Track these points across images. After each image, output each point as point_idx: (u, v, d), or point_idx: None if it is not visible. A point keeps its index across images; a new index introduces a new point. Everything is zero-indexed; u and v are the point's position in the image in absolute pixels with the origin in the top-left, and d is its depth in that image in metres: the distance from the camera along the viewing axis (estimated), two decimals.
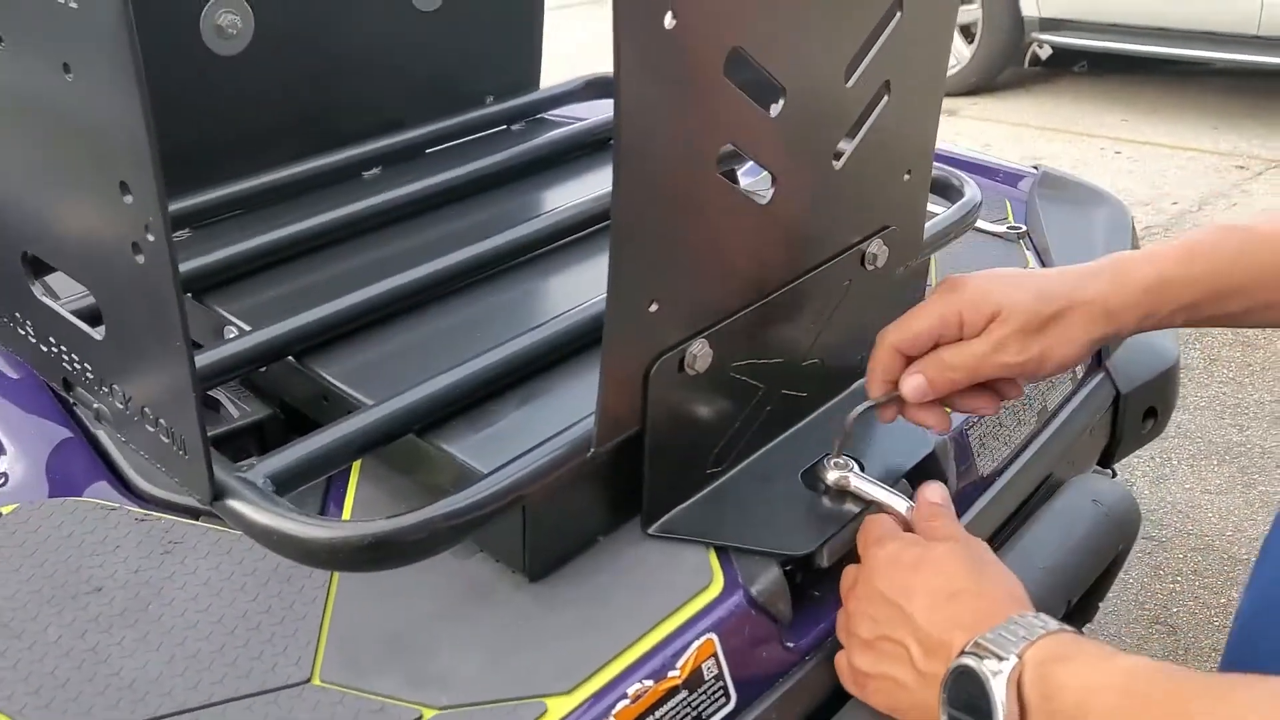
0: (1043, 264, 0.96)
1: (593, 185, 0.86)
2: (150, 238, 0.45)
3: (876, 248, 0.68)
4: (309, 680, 0.53)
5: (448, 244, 0.73)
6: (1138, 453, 2.45)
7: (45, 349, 0.58)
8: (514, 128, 0.97)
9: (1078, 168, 4.46)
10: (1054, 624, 0.51)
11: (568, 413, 0.58)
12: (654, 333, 0.55)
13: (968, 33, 5.52)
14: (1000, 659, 0.49)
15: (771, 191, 0.58)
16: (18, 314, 0.59)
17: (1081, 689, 0.47)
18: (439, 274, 0.70)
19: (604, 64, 0.84)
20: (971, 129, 5.15)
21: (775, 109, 0.56)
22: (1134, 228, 1.04)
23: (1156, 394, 0.92)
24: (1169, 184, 4.18)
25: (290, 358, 0.64)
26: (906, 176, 0.69)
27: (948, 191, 0.83)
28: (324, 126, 0.84)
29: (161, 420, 0.51)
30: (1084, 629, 0.98)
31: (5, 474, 0.65)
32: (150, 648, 0.54)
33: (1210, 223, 0.71)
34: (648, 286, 0.53)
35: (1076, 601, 0.75)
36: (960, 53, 5.59)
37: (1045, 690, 0.48)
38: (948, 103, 5.52)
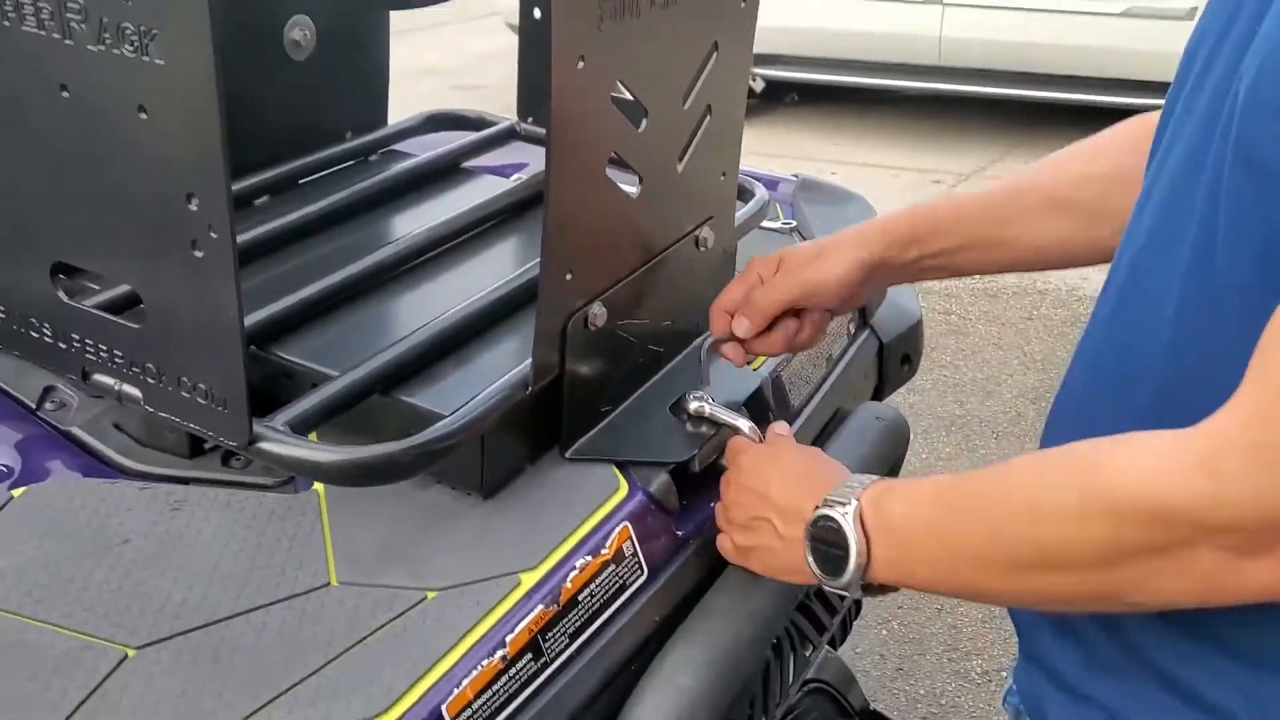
0: None
1: (451, 204, 1.03)
2: (213, 235, 0.59)
3: (706, 232, 0.89)
4: (329, 583, 0.67)
5: (360, 249, 0.89)
6: None
7: (64, 346, 0.70)
8: (371, 159, 1.12)
9: None
10: (877, 478, 0.72)
11: (501, 367, 0.75)
12: (569, 297, 0.73)
13: None
14: (844, 505, 0.69)
15: (639, 188, 0.78)
16: (34, 319, 0.71)
17: (905, 506, 0.68)
18: (370, 267, 0.86)
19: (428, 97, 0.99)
20: None
21: (642, 126, 0.75)
22: (874, 211, 1.30)
23: (909, 343, 1.18)
24: (877, 200, 4.66)
25: (253, 346, 0.78)
26: (723, 177, 0.90)
27: (743, 194, 1.06)
28: None
29: (201, 385, 0.65)
30: None
31: (13, 467, 0.76)
32: (189, 576, 0.67)
33: None
34: (567, 259, 0.71)
35: None
36: None
37: (879, 518, 0.68)
38: None
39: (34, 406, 0.82)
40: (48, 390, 0.83)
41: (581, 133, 0.68)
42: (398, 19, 1.15)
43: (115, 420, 0.80)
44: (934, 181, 4.88)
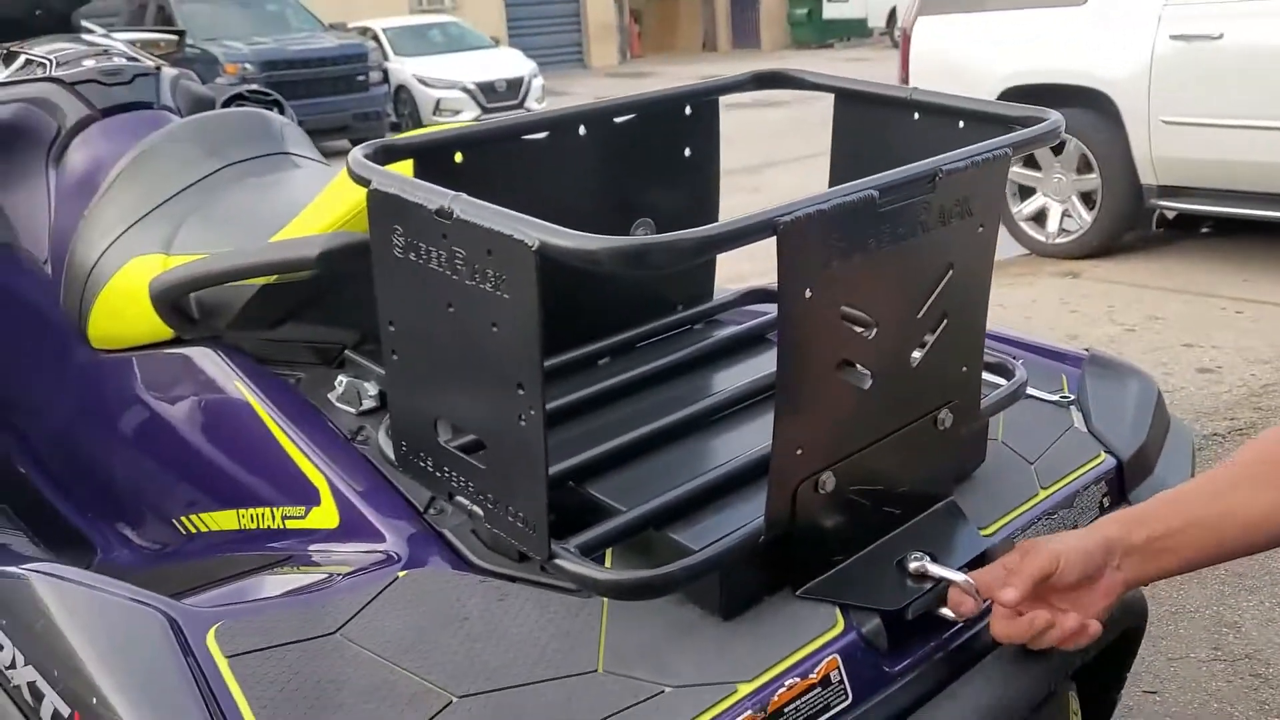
0: (1089, 427, 1.30)
1: (754, 369, 1.25)
2: (532, 412, 0.85)
3: (944, 415, 1.05)
4: (596, 670, 0.90)
5: (668, 406, 1.13)
6: (1249, 592, 2.70)
7: (439, 475, 0.99)
8: (696, 327, 1.38)
9: (1198, 327, 4.69)
10: None
11: (750, 514, 0.96)
12: (799, 467, 0.93)
13: (1089, 199, 5.83)
14: None
15: (870, 382, 0.96)
16: (422, 453, 1.01)
17: None
18: (665, 427, 1.10)
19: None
20: (1094, 290, 5.42)
21: (870, 334, 0.94)
22: (1159, 396, 1.37)
23: None
24: None
25: (570, 482, 1.04)
26: (964, 369, 1.06)
27: (1005, 373, 1.20)
28: (571, 329, 1.25)
29: (520, 513, 0.91)
30: None
31: (397, 554, 1.06)
32: (504, 649, 0.93)
33: None
34: (797, 438, 0.91)
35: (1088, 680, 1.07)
36: (1082, 217, 5.90)
37: None
38: (1073, 265, 5.81)
39: (422, 509, 1.13)
40: (433, 499, 1.14)
41: (809, 344, 0.88)
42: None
43: (473, 528, 1.08)
44: None
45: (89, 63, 2.09)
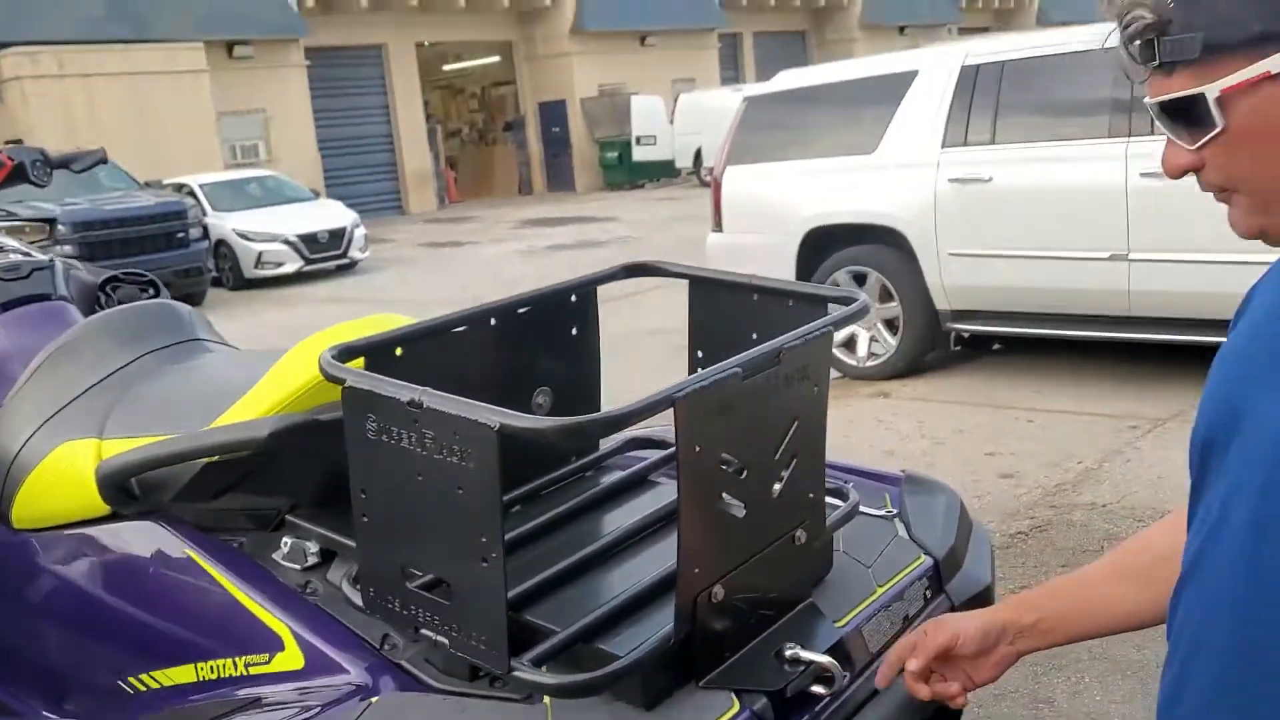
0: (910, 535, 1.62)
1: (645, 505, 1.52)
2: (494, 555, 1.10)
3: (800, 533, 1.34)
4: None
5: (577, 542, 1.39)
6: (1058, 670, 3.06)
7: (406, 613, 1.21)
8: (588, 474, 1.65)
9: (998, 436, 5.22)
10: None
11: (661, 623, 1.21)
12: (697, 582, 1.20)
13: (892, 325, 6.40)
14: None
15: (744, 511, 1.25)
16: (389, 596, 1.23)
17: None
18: (581, 558, 1.35)
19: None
20: (904, 408, 5.93)
21: (743, 475, 1.23)
22: (963, 505, 1.71)
23: (979, 606, 1.56)
24: (1074, 445, 4.91)
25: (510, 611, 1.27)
26: (811, 495, 1.36)
27: (841, 495, 1.50)
28: None
29: (483, 637, 1.14)
30: None
31: (363, 684, 1.27)
32: None
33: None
34: (696, 559, 1.18)
35: None
36: (888, 342, 6.46)
37: None
38: (884, 386, 6.33)
39: (378, 647, 1.34)
40: (385, 637, 1.35)
41: (700, 487, 1.16)
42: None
43: (426, 657, 1.30)
44: (1130, 427, 5.09)
45: None
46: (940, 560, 1.57)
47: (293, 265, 13.79)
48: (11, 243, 2.39)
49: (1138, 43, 0.90)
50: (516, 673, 1.13)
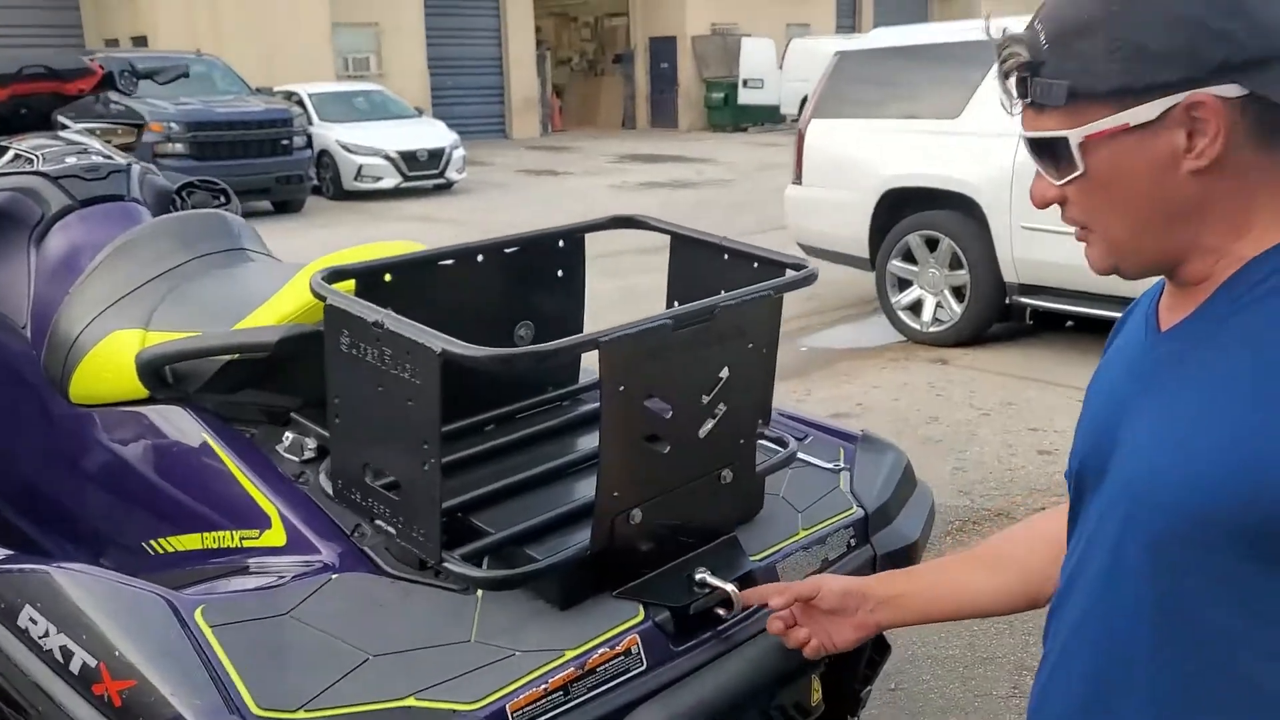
0: (850, 487, 1.76)
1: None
2: (432, 461, 1.27)
3: (726, 473, 1.49)
4: (470, 640, 1.32)
5: (534, 462, 1.56)
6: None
7: (365, 504, 1.40)
8: (563, 404, 1.82)
9: (1046, 413, 5.26)
10: None
11: (582, 537, 1.38)
12: (615, 505, 1.36)
13: (960, 293, 6.42)
14: None
15: (668, 448, 1.40)
16: (354, 489, 1.42)
17: None
18: (530, 477, 1.52)
19: None
20: (960, 376, 5.98)
21: (667, 415, 1.38)
22: (908, 466, 1.84)
23: (904, 562, 1.70)
24: None
25: (459, 513, 1.45)
26: (742, 441, 1.51)
27: (783, 444, 1.65)
28: (470, 402, 1.68)
29: (422, 531, 1.32)
30: None
31: (331, 563, 1.47)
32: (403, 626, 1.33)
33: None
34: (613, 486, 1.34)
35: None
36: (953, 309, 6.48)
37: None
38: (944, 353, 6.37)
39: (349, 533, 1.53)
40: (356, 527, 1.54)
41: (620, 425, 1.32)
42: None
43: (387, 546, 1.49)
44: None
45: (70, 159, 2.48)
46: (870, 513, 1.71)
47: (391, 181, 14.14)
48: (95, 145, 2.62)
49: (1012, 78, 0.95)
50: (447, 564, 1.31)
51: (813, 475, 1.76)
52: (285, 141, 12.91)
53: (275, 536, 1.57)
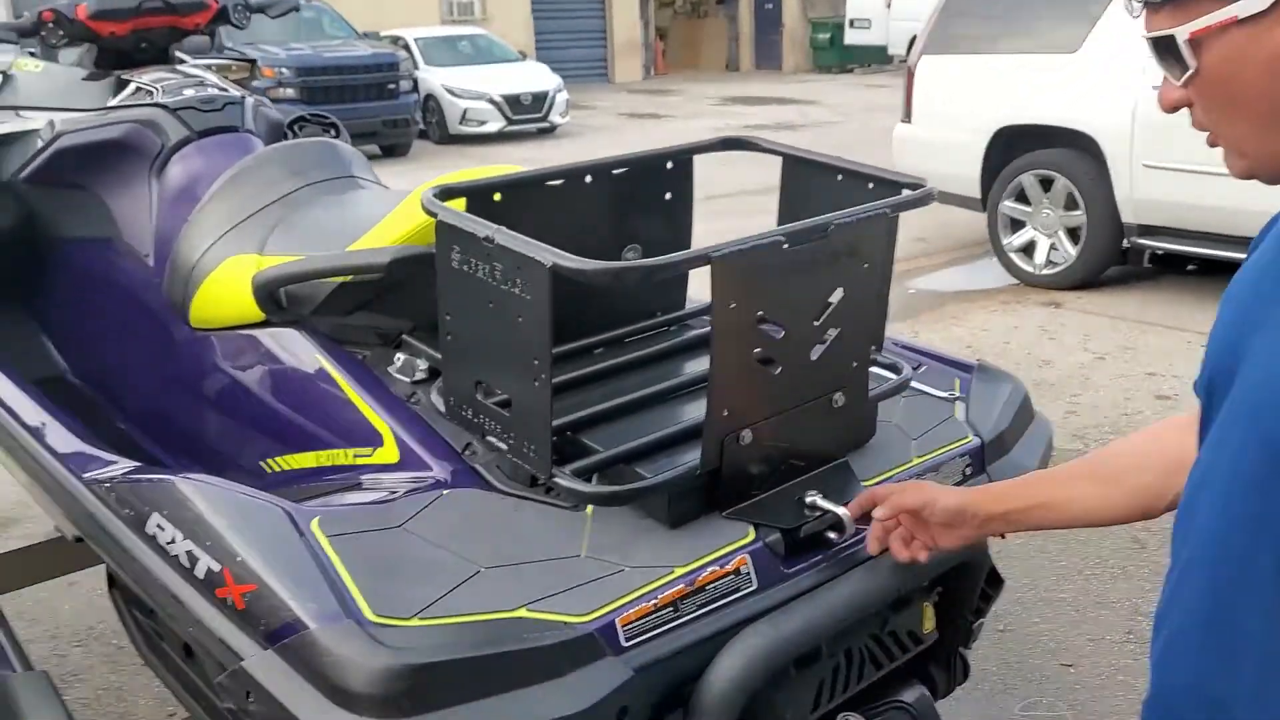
0: (966, 416, 1.71)
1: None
2: (543, 377, 1.27)
3: (838, 396, 1.46)
4: (580, 555, 1.32)
5: (644, 384, 1.55)
6: None
7: (477, 421, 1.41)
8: (670, 329, 1.80)
9: (1164, 358, 5.09)
10: None
11: (693, 457, 1.37)
12: (725, 425, 1.34)
13: (1074, 234, 6.22)
14: None
15: (780, 370, 1.38)
16: (465, 407, 1.42)
17: None
18: (639, 398, 1.52)
19: None
20: (1073, 320, 5.81)
21: (779, 336, 1.36)
22: (1026, 396, 1.79)
23: None
24: None
25: (568, 432, 1.45)
26: (854, 365, 1.47)
27: (897, 370, 1.61)
28: (578, 326, 1.68)
29: (532, 446, 1.33)
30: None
31: (442, 480, 1.48)
32: (516, 539, 1.34)
33: None
34: (724, 404, 1.32)
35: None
36: (1067, 251, 6.28)
37: None
38: (1057, 296, 6.19)
39: (460, 451, 1.55)
40: (468, 445, 1.55)
41: (731, 344, 1.30)
42: None
43: (497, 464, 1.50)
44: None
45: (188, 91, 2.53)
46: (987, 442, 1.66)
47: (495, 125, 14.22)
48: (211, 78, 2.67)
49: None
50: (558, 479, 1.31)
51: (926, 404, 1.72)
52: (391, 86, 13.06)
53: (388, 454, 1.59)
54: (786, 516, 1.40)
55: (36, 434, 1.85)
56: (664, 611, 1.27)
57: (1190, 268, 6.32)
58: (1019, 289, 6.44)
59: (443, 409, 1.50)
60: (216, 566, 1.31)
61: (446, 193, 1.45)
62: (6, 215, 2.56)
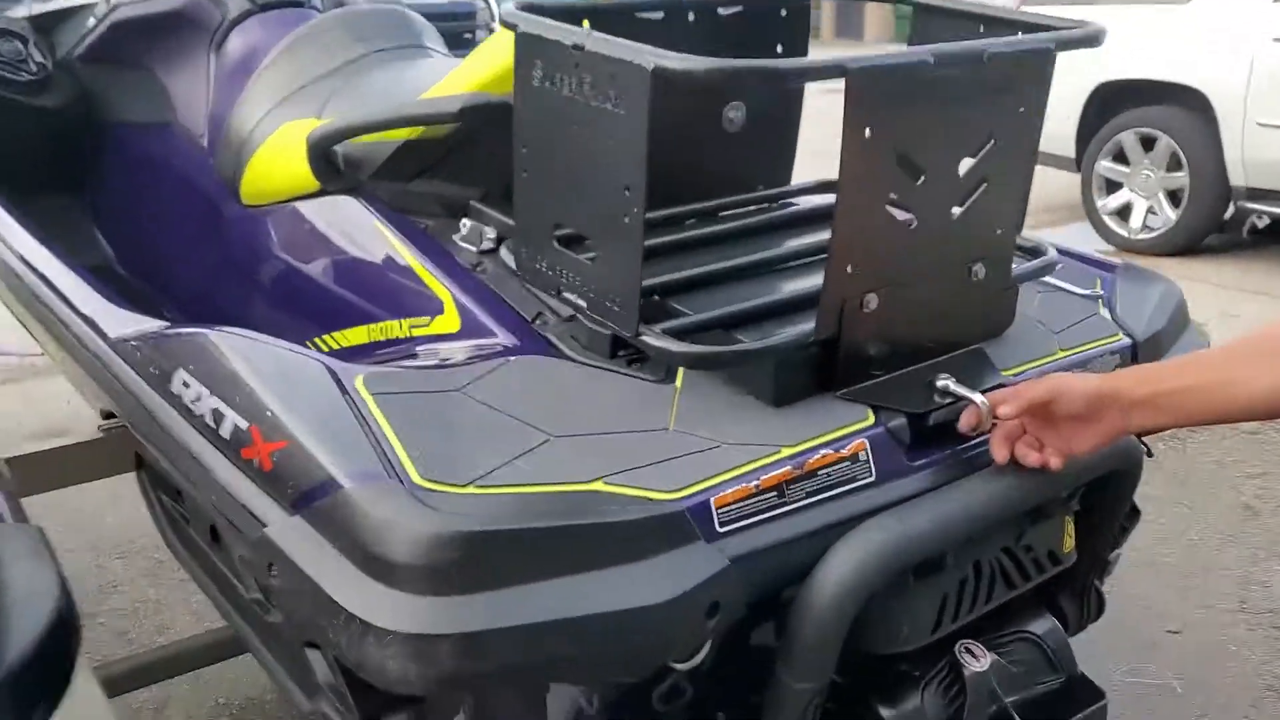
0: (1112, 315, 1.47)
1: (821, 235, 1.44)
2: (635, 210, 1.06)
3: (978, 268, 1.23)
4: (667, 428, 1.11)
5: (742, 254, 1.34)
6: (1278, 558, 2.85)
7: (552, 274, 1.21)
8: (772, 207, 1.58)
9: None
10: None
11: (804, 327, 1.16)
12: (848, 284, 1.12)
13: (1175, 197, 5.87)
14: None
15: (915, 223, 1.15)
16: (539, 256, 1.22)
17: None
18: (738, 265, 1.30)
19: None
20: None
21: (918, 181, 1.13)
22: (1182, 299, 1.54)
23: None
24: None
25: (656, 295, 1.25)
26: (999, 232, 1.24)
27: (1038, 254, 1.38)
28: (668, 192, 1.46)
29: (617, 298, 1.12)
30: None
31: (510, 347, 1.28)
32: (593, 409, 1.14)
33: None
34: (849, 257, 1.10)
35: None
36: (1167, 215, 5.93)
37: None
38: (1154, 262, 5.85)
39: (530, 320, 1.34)
40: (538, 315, 1.35)
41: (863, 181, 1.08)
42: None
43: (573, 334, 1.30)
44: None
45: None
46: (1140, 342, 1.42)
47: None
48: None
49: None
50: (644, 336, 1.11)
51: (1068, 300, 1.48)
52: (468, 35, 12.87)
53: (448, 322, 1.39)
54: (914, 400, 1.18)
55: (68, 300, 1.68)
56: (768, 495, 1.06)
57: None
58: (1113, 256, 6.10)
59: (513, 265, 1.29)
60: (244, 424, 1.12)
61: (530, 9, 1.24)
62: (60, 95, 2.40)
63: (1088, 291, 1.52)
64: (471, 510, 0.97)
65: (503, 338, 1.31)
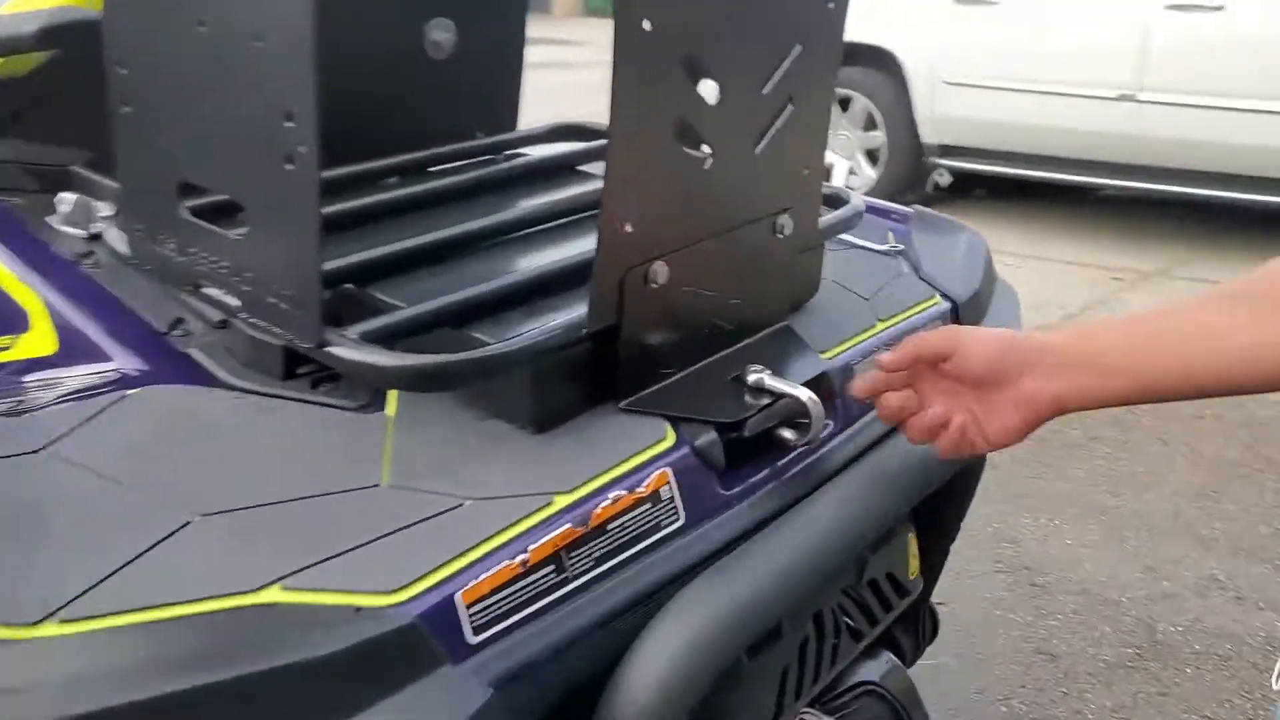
0: (918, 274, 1.22)
1: (563, 194, 1.10)
2: (303, 150, 0.67)
3: (784, 220, 0.93)
4: (379, 484, 0.73)
5: (463, 221, 0.96)
6: (1027, 511, 2.77)
7: (183, 258, 0.80)
8: (497, 157, 1.21)
9: None
10: None
11: (566, 314, 0.81)
12: (629, 249, 0.78)
13: (873, 157, 5.95)
14: None
15: (711, 161, 0.83)
16: (161, 235, 0.80)
17: None
18: (460, 236, 0.93)
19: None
20: None
21: (714, 100, 0.81)
22: (988, 255, 1.31)
23: None
24: (1057, 293, 4.56)
25: (348, 284, 0.86)
26: (806, 171, 0.94)
27: (839, 204, 1.09)
28: (355, 142, 1.07)
29: (285, 292, 0.73)
30: None
31: (130, 373, 0.86)
32: (265, 462, 0.74)
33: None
34: (627, 211, 0.76)
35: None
36: (867, 174, 6.01)
37: None
38: None
39: (164, 331, 0.92)
40: (177, 323, 0.93)
41: (645, 91, 0.74)
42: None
43: (227, 346, 0.89)
44: (1114, 279, 4.75)
45: None
46: (961, 304, 1.17)
47: None
48: None
49: None
50: (333, 346, 0.72)
51: (867, 259, 1.21)
52: None
53: (38, 342, 0.94)
54: (722, 405, 0.85)
55: None
56: (541, 574, 0.70)
57: (978, 193, 6.20)
58: None
59: (124, 249, 0.86)
60: None
61: None
62: None
63: (885, 247, 1.25)
64: (47, 675, 0.56)
65: (121, 361, 0.88)
